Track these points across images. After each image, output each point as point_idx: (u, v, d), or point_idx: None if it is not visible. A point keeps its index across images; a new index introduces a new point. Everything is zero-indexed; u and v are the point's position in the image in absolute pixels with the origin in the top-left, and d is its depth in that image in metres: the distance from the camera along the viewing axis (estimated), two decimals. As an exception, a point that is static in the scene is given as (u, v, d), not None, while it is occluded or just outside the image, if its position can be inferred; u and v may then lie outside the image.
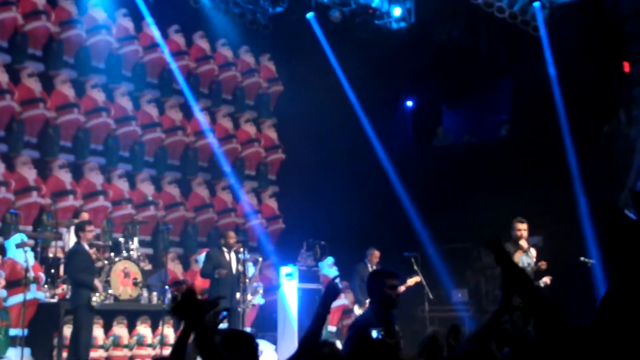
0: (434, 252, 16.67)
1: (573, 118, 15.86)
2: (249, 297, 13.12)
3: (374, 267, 13.42)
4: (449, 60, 17.91)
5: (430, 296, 13.39)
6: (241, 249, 12.71)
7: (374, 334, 5.07)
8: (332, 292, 5.04)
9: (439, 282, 15.61)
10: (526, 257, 10.88)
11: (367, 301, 6.72)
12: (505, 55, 17.39)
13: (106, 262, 12.03)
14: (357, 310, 13.35)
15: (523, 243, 10.88)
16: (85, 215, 13.55)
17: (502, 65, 17.60)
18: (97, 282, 11.13)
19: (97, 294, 10.95)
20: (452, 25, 17.82)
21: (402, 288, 13.06)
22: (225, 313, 4.72)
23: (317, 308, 4.99)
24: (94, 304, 10.93)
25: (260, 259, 14.02)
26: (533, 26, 15.85)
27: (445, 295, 15.75)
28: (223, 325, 4.71)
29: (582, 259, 12.29)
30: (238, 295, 12.48)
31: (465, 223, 16.58)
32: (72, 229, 12.85)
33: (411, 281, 13.21)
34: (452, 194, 17.21)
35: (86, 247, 11.22)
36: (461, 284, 16.25)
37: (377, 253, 13.58)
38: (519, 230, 10.95)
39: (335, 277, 5.32)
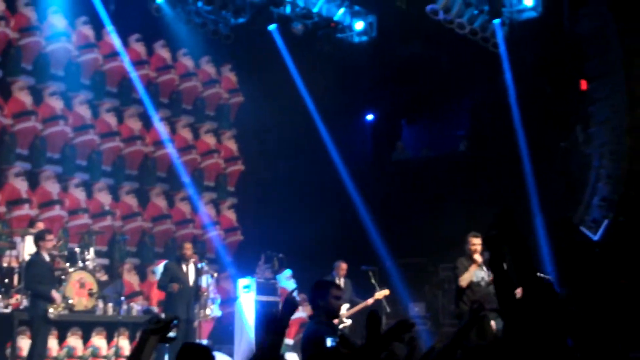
0: (391, 265, 16.73)
1: (531, 134, 16.04)
2: (207, 310, 13.02)
3: (342, 280, 13.44)
4: (409, 75, 18.03)
5: (388, 309, 13.41)
6: (194, 261, 12.56)
7: (329, 342, 5.11)
8: (290, 305, 5.04)
9: (396, 296, 15.64)
10: (480, 272, 10.94)
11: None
12: (465, 71, 17.53)
13: (60, 272, 11.87)
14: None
15: (477, 257, 10.92)
16: (40, 225, 13.35)
17: (462, 81, 17.74)
18: (55, 294, 10.97)
19: (55, 306, 10.80)
20: (413, 40, 17.93)
21: (370, 301, 13.11)
22: (175, 322, 4.71)
23: (276, 322, 4.98)
24: (50, 315, 10.78)
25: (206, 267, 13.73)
26: (493, 43, 16.01)
27: (402, 309, 15.79)
28: (172, 334, 4.67)
29: (538, 274, 12.34)
30: (196, 308, 12.41)
31: (423, 237, 16.68)
32: (27, 238, 12.72)
33: (379, 294, 13.24)
34: (411, 208, 17.32)
35: (46, 257, 11.06)
36: (418, 297, 16.31)
37: (344, 265, 13.57)
38: (473, 244, 10.98)
39: (292, 291, 5.33)
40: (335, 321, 7.36)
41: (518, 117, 16.05)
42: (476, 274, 10.88)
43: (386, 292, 13.41)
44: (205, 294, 12.80)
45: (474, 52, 16.54)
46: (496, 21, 15.82)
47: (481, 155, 17.26)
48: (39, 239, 11.13)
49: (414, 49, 17.79)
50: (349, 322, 12.97)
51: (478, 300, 4.82)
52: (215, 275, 14.24)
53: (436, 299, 16.39)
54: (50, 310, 10.77)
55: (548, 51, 16.10)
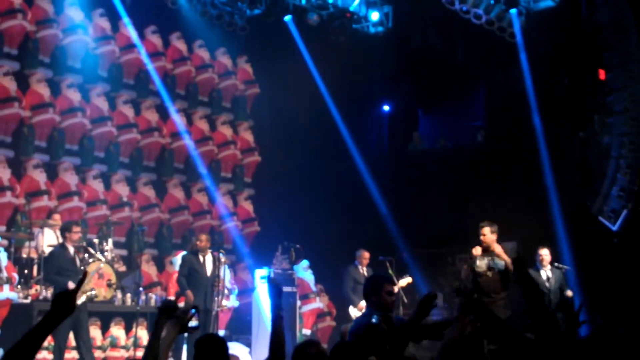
0: (408, 256, 16.74)
1: (548, 124, 15.98)
2: (224, 300, 13.06)
3: (364, 269, 13.46)
4: (425, 66, 18.01)
5: (405, 300, 13.42)
6: (209, 251, 12.63)
7: (374, 319, 5.24)
8: (274, 290, 5.08)
9: (413, 287, 15.64)
10: (482, 260, 10.86)
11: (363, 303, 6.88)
12: (482, 62, 17.50)
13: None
14: (352, 311, 13.26)
15: (478, 249, 10.92)
16: (57, 217, 13.39)
17: (478, 72, 17.71)
18: (71, 284, 11.00)
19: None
20: (429, 30, 17.91)
21: (394, 289, 13.07)
22: (193, 311, 4.77)
23: (270, 311, 5.04)
24: None
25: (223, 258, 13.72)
26: (509, 33, 15.95)
27: (419, 300, 15.77)
28: (193, 323, 4.74)
29: (556, 264, 12.36)
30: (219, 298, 12.48)
31: (440, 228, 16.67)
32: (45, 229, 12.81)
33: (403, 282, 13.24)
34: (427, 199, 17.30)
35: (70, 249, 11.11)
36: (436, 288, 16.29)
37: (366, 254, 13.59)
38: (482, 234, 10.98)
39: (270, 276, 5.42)
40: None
41: (535, 107, 15.99)
42: (478, 263, 10.80)
43: (409, 279, 13.42)
44: (222, 284, 12.81)
45: (490, 42, 16.50)
46: (513, 11, 15.76)
47: (498, 146, 17.22)
48: (65, 230, 11.21)
49: (430, 39, 17.77)
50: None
51: (472, 297, 4.83)
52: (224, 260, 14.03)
53: (454, 290, 16.37)
54: None
55: (565, 41, 16.04)
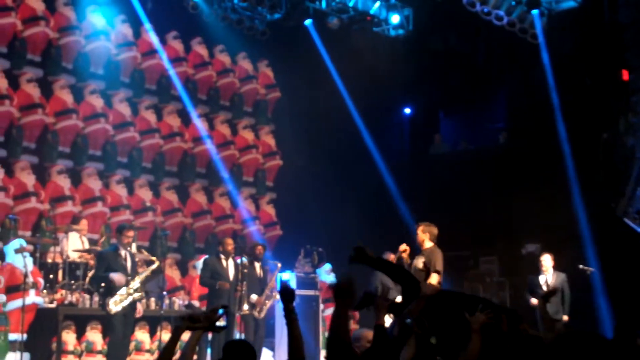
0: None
1: (571, 126, 15.91)
2: (266, 302, 13.10)
3: None
4: (446, 68, 17.97)
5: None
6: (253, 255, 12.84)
7: (408, 321, 5.27)
8: (286, 294, 5.09)
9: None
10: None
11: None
12: (503, 63, 17.44)
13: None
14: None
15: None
16: (84, 222, 13.52)
17: (500, 73, 17.65)
18: (116, 276, 10.99)
19: (117, 300, 10.90)
20: (450, 32, 17.86)
21: None
22: (221, 311, 4.78)
23: (284, 316, 5.06)
24: (112, 310, 10.89)
25: (280, 264, 13.92)
26: (531, 34, 15.88)
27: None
28: (221, 323, 4.76)
29: (581, 266, 12.32)
30: (255, 299, 12.61)
31: (462, 231, 16.60)
32: (70, 234, 12.90)
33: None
34: (449, 201, 17.23)
35: (121, 251, 11.17)
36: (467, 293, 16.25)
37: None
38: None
39: (285, 281, 5.39)
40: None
41: (558, 108, 15.92)
42: (414, 262, 10.72)
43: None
44: (245, 289, 12.83)
45: (512, 43, 16.44)
46: (534, 12, 15.70)
47: (521, 148, 17.14)
48: (118, 232, 11.35)
49: (451, 42, 17.72)
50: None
51: None
52: (279, 267, 14.10)
53: (477, 293, 16.31)
54: (111, 304, 10.86)
55: (588, 41, 15.93)
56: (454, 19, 17.04)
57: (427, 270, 10.05)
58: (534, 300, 11.97)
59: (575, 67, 16.11)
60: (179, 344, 4.81)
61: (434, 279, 9.87)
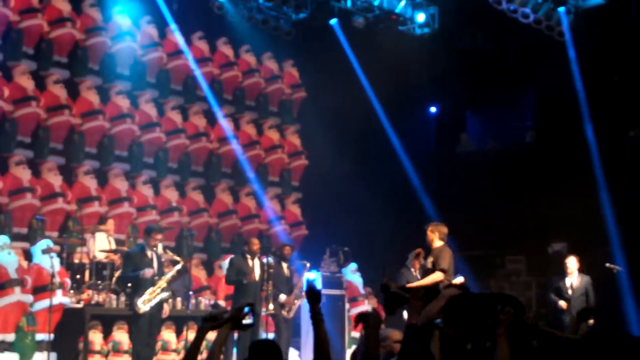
0: (457, 258, 16.58)
1: (598, 123, 15.78)
2: (295, 302, 13.12)
3: (417, 271, 13.41)
4: (473, 66, 17.88)
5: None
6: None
7: (438, 321, 5.26)
8: (312, 294, 5.07)
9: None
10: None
11: None
12: (530, 61, 17.33)
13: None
14: (406, 314, 13.22)
15: None
16: (110, 222, 13.63)
17: (527, 71, 17.53)
18: (148, 271, 11.02)
19: (145, 299, 10.94)
20: (476, 30, 17.78)
21: None
22: (247, 309, 4.77)
23: (310, 316, 5.04)
24: (140, 310, 10.94)
25: (308, 264, 13.95)
26: (558, 31, 15.78)
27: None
28: (247, 321, 4.75)
29: (608, 265, 12.22)
30: (284, 299, 12.69)
31: (489, 230, 16.54)
32: (97, 234, 13.00)
33: (456, 282, 13.15)
34: (476, 200, 17.16)
35: (149, 251, 11.19)
36: (485, 290, 16.16)
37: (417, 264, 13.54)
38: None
39: (311, 281, 5.37)
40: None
41: (585, 106, 15.80)
42: (423, 261, 10.73)
43: (461, 279, 13.31)
44: (271, 289, 12.86)
45: (538, 41, 16.33)
46: (561, 9, 15.61)
47: (548, 146, 17.03)
48: (146, 233, 11.42)
49: (477, 40, 17.64)
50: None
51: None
52: (308, 266, 14.11)
53: (503, 292, 16.23)
54: (139, 303, 10.91)
55: (615, 39, 15.80)
56: (480, 17, 16.96)
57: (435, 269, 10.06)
58: (562, 303, 11.96)
59: (603, 65, 15.99)
60: (204, 343, 4.81)
61: (437, 276, 9.86)
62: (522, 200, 16.44)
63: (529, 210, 16.33)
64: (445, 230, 10.27)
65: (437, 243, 10.21)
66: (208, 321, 4.66)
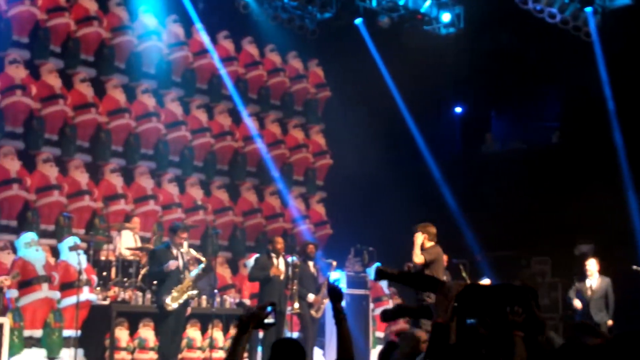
0: (482, 259, 16.56)
1: (625, 124, 15.68)
2: (324, 301, 13.13)
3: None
4: (498, 66, 17.82)
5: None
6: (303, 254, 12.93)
7: (471, 321, 5.26)
8: (333, 293, 5.08)
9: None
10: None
11: None
12: (556, 61, 17.23)
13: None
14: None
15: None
16: (136, 220, 13.70)
17: (553, 71, 17.44)
18: (173, 264, 11.12)
19: (174, 296, 11.01)
20: (501, 30, 17.71)
21: None
22: (270, 309, 4.77)
23: (333, 316, 5.04)
24: (168, 307, 11.00)
25: (335, 263, 13.96)
26: (585, 32, 15.69)
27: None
28: (269, 320, 4.74)
29: (635, 267, 12.16)
30: (312, 298, 12.72)
31: (514, 230, 16.47)
32: (123, 232, 13.08)
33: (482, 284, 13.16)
34: (501, 201, 17.09)
35: (174, 249, 11.28)
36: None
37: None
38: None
39: (333, 281, 5.41)
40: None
41: (612, 107, 15.70)
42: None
43: (488, 281, 13.32)
44: (296, 287, 12.87)
45: (564, 41, 16.25)
46: (588, 9, 15.52)
47: (574, 147, 16.94)
48: (171, 231, 11.51)
49: (503, 40, 17.55)
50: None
51: None
52: (334, 265, 14.12)
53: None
54: (167, 301, 10.98)
55: (642, 39, 15.70)
56: (506, 16, 16.89)
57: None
58: (578, 304, 12.01)
59: (630, 65, 15.87)
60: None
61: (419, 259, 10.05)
62: (547, 200, 16.36)
63: (554, 211, 16.24)
64: (434, 230, 10.34)
65: (428, 244, 10.28)
66: (249, 318, 4.66)
